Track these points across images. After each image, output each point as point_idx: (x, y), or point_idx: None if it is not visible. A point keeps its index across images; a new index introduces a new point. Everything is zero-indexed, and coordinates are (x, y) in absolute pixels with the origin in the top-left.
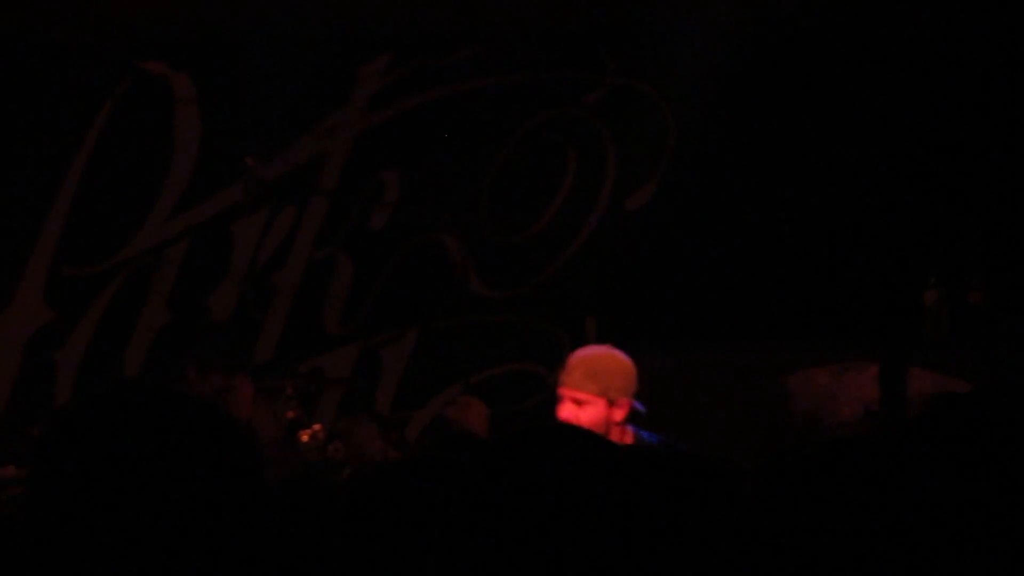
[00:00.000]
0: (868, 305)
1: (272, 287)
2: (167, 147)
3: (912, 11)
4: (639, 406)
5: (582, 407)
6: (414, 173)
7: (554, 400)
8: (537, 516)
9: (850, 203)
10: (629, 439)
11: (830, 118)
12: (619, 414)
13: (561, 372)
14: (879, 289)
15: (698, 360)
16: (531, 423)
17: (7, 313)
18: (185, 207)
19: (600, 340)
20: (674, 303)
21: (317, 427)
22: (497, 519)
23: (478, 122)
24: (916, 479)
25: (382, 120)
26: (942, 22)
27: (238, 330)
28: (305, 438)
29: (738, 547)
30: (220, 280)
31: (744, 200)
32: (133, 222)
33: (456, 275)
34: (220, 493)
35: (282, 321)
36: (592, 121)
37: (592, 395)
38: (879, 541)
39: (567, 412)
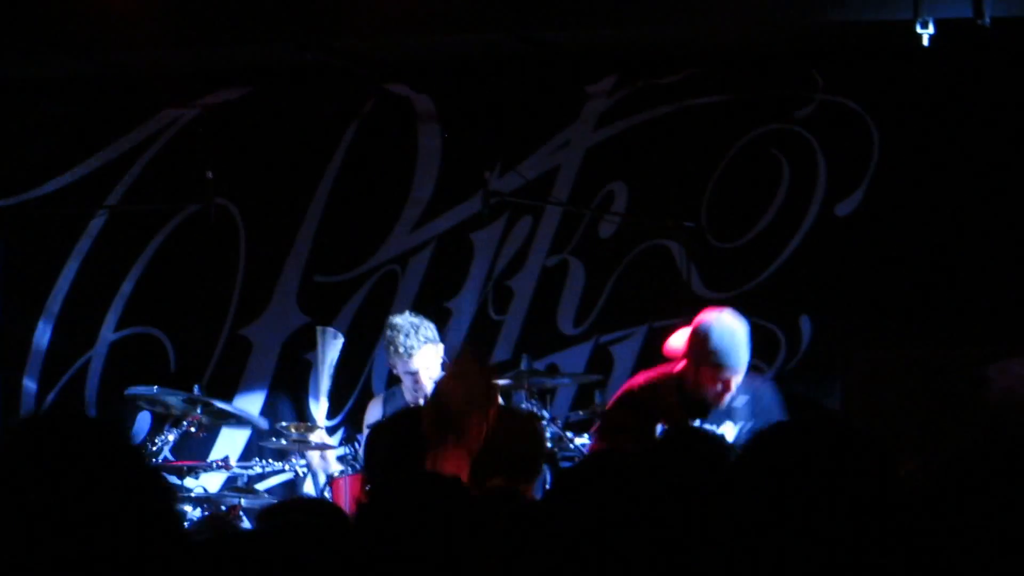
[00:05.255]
0: None
1: (510, 291)
2: (410, 163)
3: None
4: None
5: None
6: (640, 184)
7: None
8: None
9: None
10: None
11: None
12: None
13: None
14: None
15: (903, 356)
16: None
17: (264, 318)
18: (428, 218)
19: (813, 338)
20: (880, 302)
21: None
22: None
23: (698, 137)
24: None
25: (610, 135)
26: None
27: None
28: None
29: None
30: (461, 285)
31: (947, 206)
32: (380, 233)
33: (680, 278)
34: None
35: (520, 322)
36: (803, 134)
37: None
38: None
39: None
